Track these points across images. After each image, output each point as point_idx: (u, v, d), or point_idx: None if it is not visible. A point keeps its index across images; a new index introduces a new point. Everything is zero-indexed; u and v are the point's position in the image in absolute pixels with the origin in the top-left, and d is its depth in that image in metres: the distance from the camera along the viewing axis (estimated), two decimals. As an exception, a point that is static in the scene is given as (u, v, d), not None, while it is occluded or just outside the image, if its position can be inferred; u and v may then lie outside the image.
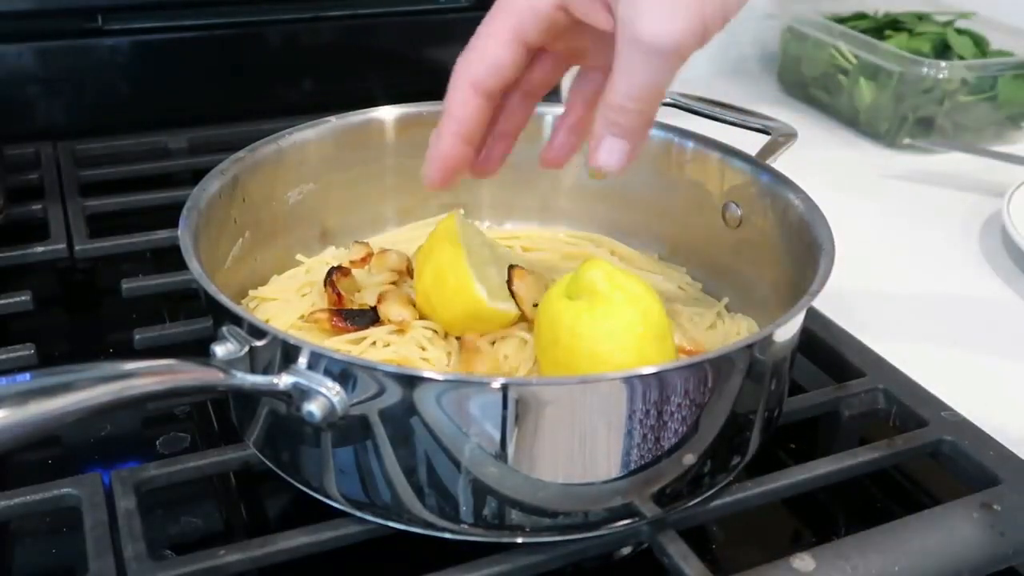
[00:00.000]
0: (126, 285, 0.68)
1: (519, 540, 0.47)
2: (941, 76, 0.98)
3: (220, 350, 0.46)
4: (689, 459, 0.48)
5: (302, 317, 0.57)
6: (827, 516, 0.59)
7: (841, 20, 1.13)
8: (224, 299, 0.47)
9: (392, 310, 0.56)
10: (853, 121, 1.07)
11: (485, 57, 0.44)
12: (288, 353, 0.45)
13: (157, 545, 0.49)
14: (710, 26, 0.38)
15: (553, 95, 0.54)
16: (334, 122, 0.65)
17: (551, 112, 0.63)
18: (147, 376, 0.43)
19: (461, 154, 0.47)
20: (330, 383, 0.44)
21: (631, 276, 0.51)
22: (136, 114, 0.92)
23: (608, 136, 0.43)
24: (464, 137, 0.46)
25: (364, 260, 0.62)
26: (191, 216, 0.54)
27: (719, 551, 0.54)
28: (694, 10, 0.37)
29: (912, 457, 0.56)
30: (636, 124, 0.42)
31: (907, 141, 1.03)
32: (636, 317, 0.49)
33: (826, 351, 0.63)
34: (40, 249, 0.72)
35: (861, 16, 1.14)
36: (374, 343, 0.55)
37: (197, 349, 0.47)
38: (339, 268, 0.59)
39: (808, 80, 1.13)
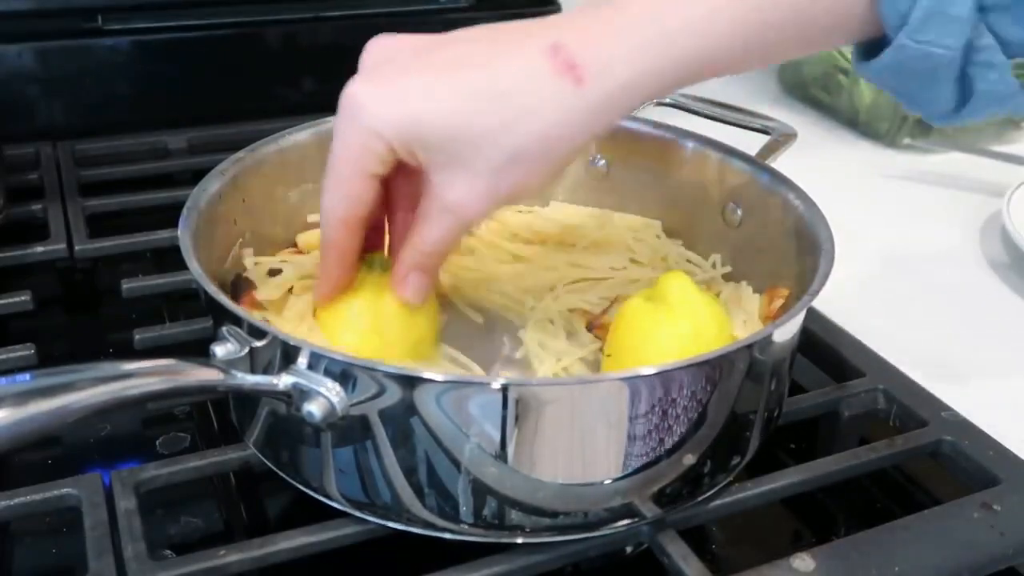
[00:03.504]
0: (126, 285, 0.68)
1: (519, 540, 0.47)
2: (941, 76, 0.98)
3: (220, 350, 0.46)
4: (689, 459, 0.48)
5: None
6: (827, 516, 0.59)
7: (841, 20, 1.12)
8: (224, 299, 0.47)
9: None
10: (853, 121, 1.07)
11: (345, 194, 0.50)
12: (288, 353, 0.45)
13: (157, 545, 0.49)
14: (502, 202, 0.50)
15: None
16: (334, 122, 0.65)
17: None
18: (147, 376, 0.43)
19: (345, 277, 0.53)
20: (330, 383, 0.44)
21: (703, 294, 0.53)
22: (136, 114, 0.92)
23: (415, 273, 0.52)
24: (346, 263, 0.52)
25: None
26: (191, 216, 0.54)
27: (719, 551, 0.54)
28: (491, 192, 0.48)
29: (912, 457, 0.56)
30: (435, 265, 0.53)
31: (907, 141, 1.02)
32: (688, 330, 0.51)
33: (826, 351, 0.63)
34: (40, 249, 0.72)
35: (861, 16, 1.14)
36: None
37: (197, 349, 0.47)
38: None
39: (808, 80, 1.12)
